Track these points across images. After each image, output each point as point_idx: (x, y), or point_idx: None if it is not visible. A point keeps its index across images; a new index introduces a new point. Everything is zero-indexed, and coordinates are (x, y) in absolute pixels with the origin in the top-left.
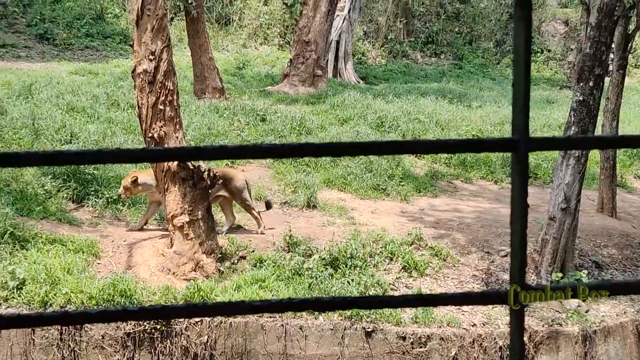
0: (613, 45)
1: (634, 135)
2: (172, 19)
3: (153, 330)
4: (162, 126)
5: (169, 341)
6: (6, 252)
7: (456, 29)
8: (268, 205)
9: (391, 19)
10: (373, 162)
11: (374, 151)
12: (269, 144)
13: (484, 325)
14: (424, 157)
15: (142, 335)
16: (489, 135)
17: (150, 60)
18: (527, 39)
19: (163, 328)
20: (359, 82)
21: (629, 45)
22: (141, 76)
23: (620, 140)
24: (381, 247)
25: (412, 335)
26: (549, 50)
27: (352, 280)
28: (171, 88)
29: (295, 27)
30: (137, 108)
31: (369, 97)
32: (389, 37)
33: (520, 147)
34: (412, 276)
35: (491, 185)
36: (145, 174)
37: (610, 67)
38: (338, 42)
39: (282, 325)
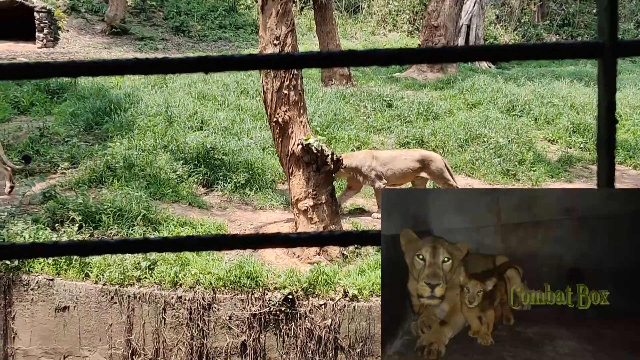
0: None
1: None
2: (302, 8)
3: (278, 312)
4: (286, 110)
5: (293, 323)
6: (139, 233)
7: (594, 10)
8: (27, 160)
9: (525, 2)
10: (503, 146)
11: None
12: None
13: None
14: (557, 142)
15: (267, 316)
16: (629, 119)
17: (275, 45)
18: None
19: (288, 311)
20: (490, 66)
21: None
22: None
23: None
24: None
25: None
26: None
27: None
28: (295, 72)
29: (425, 12)
30: (262, 93)
31: (500, 81)
32: (523, 21)
33: (607, 51)
34: None
35: (630, 170)
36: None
37: None
38: (469, 27)
39: None
